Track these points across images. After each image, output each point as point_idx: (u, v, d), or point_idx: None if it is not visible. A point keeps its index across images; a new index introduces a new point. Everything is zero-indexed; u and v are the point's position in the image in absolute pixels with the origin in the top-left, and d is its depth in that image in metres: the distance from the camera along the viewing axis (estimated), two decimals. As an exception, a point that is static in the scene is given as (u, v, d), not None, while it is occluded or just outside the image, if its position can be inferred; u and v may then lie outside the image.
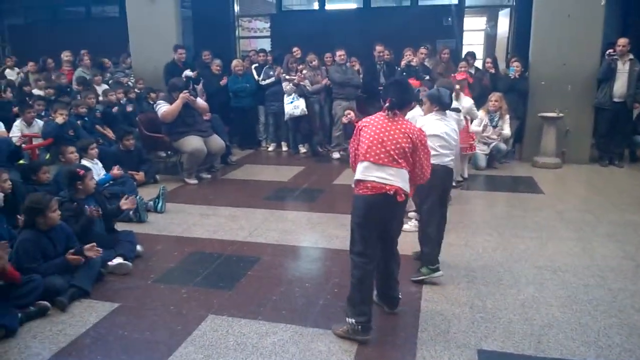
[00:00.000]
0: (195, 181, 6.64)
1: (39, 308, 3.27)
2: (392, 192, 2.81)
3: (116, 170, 5.62)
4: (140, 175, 6.32)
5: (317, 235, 4.73)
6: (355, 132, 3.06)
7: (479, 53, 12.31)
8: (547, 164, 7.31)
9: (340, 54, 7.82)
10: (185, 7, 9.43)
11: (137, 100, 7.89)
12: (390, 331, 3.06)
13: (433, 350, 2.89)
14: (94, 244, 3.64)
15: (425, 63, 8.05)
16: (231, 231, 4.85)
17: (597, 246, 4.39)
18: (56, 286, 3.39)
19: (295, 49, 8.54)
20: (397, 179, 2.84)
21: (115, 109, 7.21)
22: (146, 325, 3.19)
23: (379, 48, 7.90)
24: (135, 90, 8.11)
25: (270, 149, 8.82)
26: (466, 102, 5.96)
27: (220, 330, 3.12)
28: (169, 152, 7.29)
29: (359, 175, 2.91)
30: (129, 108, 7.43)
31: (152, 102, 8.13)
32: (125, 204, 4.24)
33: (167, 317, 3.28)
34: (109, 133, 7.01)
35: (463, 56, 8.28)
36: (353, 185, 2.99)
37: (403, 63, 7.73)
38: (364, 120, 3.04)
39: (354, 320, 2.89)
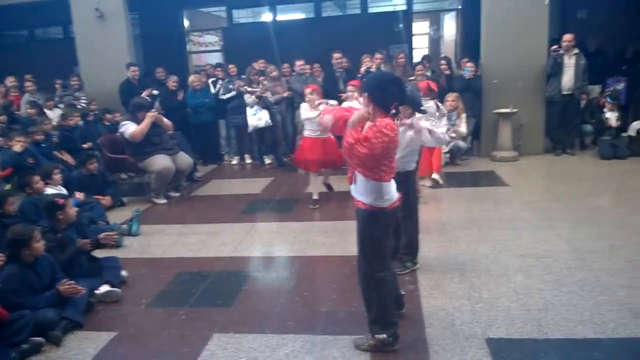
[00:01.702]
0: (164, 201, 6.49)
1: (33, 345, 3.11)
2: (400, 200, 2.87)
3: (78, 194, 5.44)
4: (106, 199, 6.11)
5: (302, 244, 4.73)
6: (392, 139, 2.65)
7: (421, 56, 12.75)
8: (505, 158, 7.64)
9: (299, 63, 7.89)
10: (133, 24, 9.20)
11: (94, 122, 7.62)
12: (399, 331, 3.10)
13: (444, 344, 2.96)
14: (72, 282, 3.46)
15: (382, 68, 8.23)
16: (214, 248, 4.77)
17: (570, 231, 4.64)
18: (48, 320, 3.24)
19: (261, 60, 8.53)
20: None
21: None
22: (150, 352, 3.09)
23: (336, 56, 8.02)
24: (91, 112, 7.83)
25: (234, 162, 8.74)
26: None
27: (229, 348, 3.07)
28: (131, 174, 7.12)
29: (394, 195, 2.82)
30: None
31: (108, 124, 7.92)
32: (105, 238, 4.06)
33: (170, 341, 3.19)
34: (68, 158, 6.74)
35: (420, 60, 8.53)
36: (385, 204, 2.80)
37: (362, 69, 7.86)
38: (396, 131, 2.70)
39: (385, 335, 2.86)
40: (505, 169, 7.16)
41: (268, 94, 7.93)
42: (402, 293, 3.28)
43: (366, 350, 2.90)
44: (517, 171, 7.12)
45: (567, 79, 7.44)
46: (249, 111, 7.96)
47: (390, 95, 2.70)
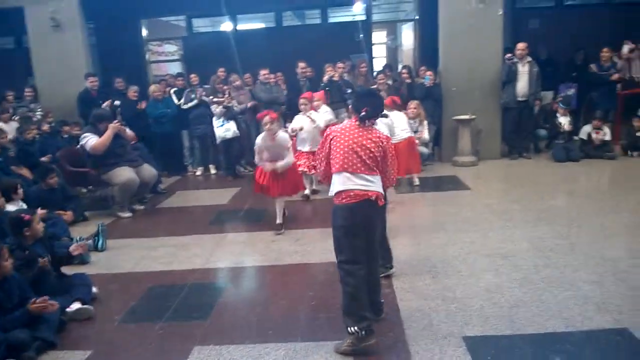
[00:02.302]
0: (129, 214, 6.35)
1: (5, 367, 2.99)
2: (373, 198, 2.94)
3: (39, 211, 5.25)
4: (68, 215, 5.91)
5: (275, 254, 4.73)
6: (324, 140, 3.13)
7: (381, 65, 13.03)
8: (466, 163, 7.90)
9: (264, 72, 7.92)
10: (89, 34, 8.98)
11: (51, 134, 7.38)
12: (379, 334, 3.14)
13: (423, 344, 3.04)
14: (44, 298, 3.35)
15: (345, 77, 8.37)
16: (186, 260, 4.71)
17: (531, 231, 4.84)
18: (20, 340, 3.10)
19: (221, 69, 8.49)
20: (375, 184, 2.98)
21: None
22: (129, 368, 3.03)
23: (301, 65, 8.10)
24: (48, 124, 7.57)
25: (198, 173, 8.64)
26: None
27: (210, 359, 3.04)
28: (90, 187, 6.94)
29: (340, 186, 2.98)
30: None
31: (66, 136, 7.69)
32: (76, 249, 3.99)
33: (149, 357, 3.14)
34: (26, 173, 6.48)
35: (381, 69, 8.71)
36: (332, 195, 3.07)
37: (325, 78, 7.98)
38: (333, 129, 3.12)
39: (356, 328, 2.92)
40: (466, 173, 7.40)
41: (234, 103, 7.90)
42: (382, 300, 3.35)
43: (346, 352, 2.95)
44: (477, 175, 7.37)
45: (522, 86, 7.77)
46: (216, 122, 7.91)
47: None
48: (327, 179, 3.17)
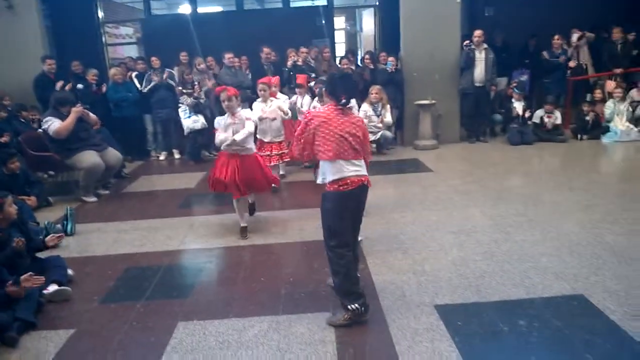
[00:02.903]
0: (94, 198, 6.27)
1: (-14, 349, 2.98)
2: (365, 182, 3.09)
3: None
4: (32, 200, 5.80)
5: (249, 234, 4.81)
6: (305, 124, 3.15)
7: (341, 50, 13.18)
8: (427, 146, 8.18)
9: (229, 56, 7.89)
10: (44, 16, 8.65)
11: (7, 119, 7.12)
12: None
13: (399, 313, 3.24)
14: (31, 273, 3.37)
15: (309, 62, 8.45)
16: (159, 242, 4.74)
17: (491, 209, 5.14)
18: (1, 322, 3.10)
19: (183, 53, 8.40)
20: (363, 168, 3.12)
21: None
22: (115, 346, 3.08)
23: (266, 50, 8.12)
24: (6, 107, 7.29)
25: (161, 158, 8.56)
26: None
27: (196, 334, 3.13)
28: (50, 172, 6.79)
29: (335, 174, 3.03)
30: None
31: (23, 120, 7.44)
32: (52, 240, 3.98)
33: (133, 334, 3.20)
34: (-16, 158, 6.26)
35: (344, 54, 8.84)
36: (323, 182, 3.13)
37: (289, 63, 8.04)
38: (314, 115, 3.17)
39: (356, 305, 3.06)
40: (428, 156, 7.68)
41: (201, 94, 7.87)
42: (358, 275, 3.51)
43: (342, 325, 3.10)
44: (438, 158, 7.66)
45: (479, 72, 8.09)
46: (182, 113, 7.85)
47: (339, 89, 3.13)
48: (306, 159, 3.27)
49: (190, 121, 7.81)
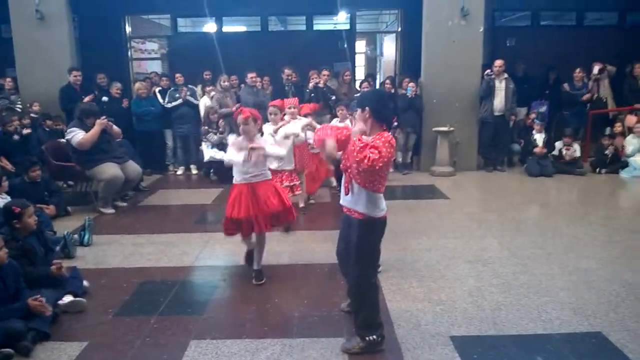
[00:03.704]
0: (112, 210, 6.34)
1: (2, 355, 3.01)
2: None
3: None
4: (50, 209, 5.88)
5: (264, 254, 4.79)
6: (390, 146, 2.81)
7: (361, 73, 13.30)
8: (443, 173, 8.16)
9: (251, 75, 8.00)
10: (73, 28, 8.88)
11: (32, 126, 7.27)
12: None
13: (414, 342, 3.20)
14: (42, 299, 3.36)
15: (329, 84, 8.52)
16: (175, 257, 4.76)
17: (510, 240, 5.08)
18: (16, 330, 3.13)
19: (206, 72, 8.56)
20: None
21: (15, 137, 6.58)
22: (128, 360, 3.08)
23: (287, 71, 8.20)
24: (31, 115, 7.46)
25: (179, 172, 8.66)
26: None
27: (209, 353, 3.12)
28: (70, 182, 6.90)
29: (383, 204, 3.01)
30: (26, 130, 6.77)
31: (47, 129, 7.60)
32: (58, 270, 3.80)
33: (146, 350, 3.19)
34: (7, 165, 6.41)
35: (364, 77, 8.92)
36: (376, 214, 3.00)
37: (310, 85, 8.11)
38: (392, 143, 2.87)
39: (374, 337, 3.04)
40: (444, 183, 7.65)
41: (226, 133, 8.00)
42: None
43: (356, 353, 3.06)
44: (455, 185, 7.62)
45: (499, 101, 8.10)
46: (204, 145, 7.95)
47: (389, 111, 2.99)
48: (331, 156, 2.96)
49: (212, 151, 7.88)
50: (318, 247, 4.91)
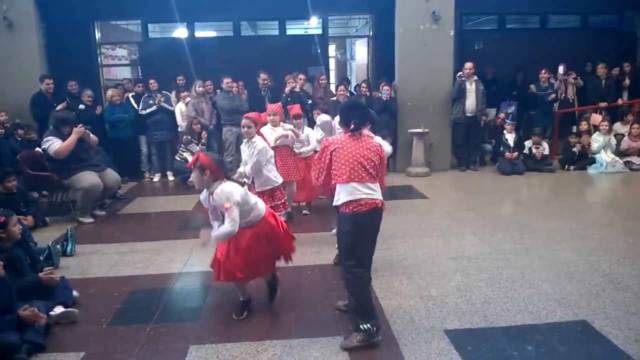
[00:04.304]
0: (91, 219, 6.24)
1: (-3, 371, 2.94)
2: (380, 205, 3.17)
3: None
4: (28, 220, 5.73)
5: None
6: (322, 151, 3.27)
7: (332, 78, 13.41)
8: (419, 173, 8.35)
9: (227, 81, 8.00)
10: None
11: (5, 136, 7.08)
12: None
13: (410, 338, 3.29)
14: (32, 308, 3.29)
15: (305, 88, 8.60)
16: (162, 265, 4.74)
17: (490, 236, 5.26)
18: (10, 343, 3.07)
19: (180, 77, 8.52)
20: (378, 192, 3.21)
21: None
22: (128, 368, 3.07)
23: (263, 76, 8.25)
24: (4, 124, 7.25)
25: (155, 179, 8.57)
26: None
27: (210, 358, 3.13)
28: (44, 192, 6.77)
29: (348, 196, 3.12)
30: None
31: (19, 139, 7.41)
32: (48, 278, 3.75)
33: (146, 357, 3.18)
34: (-21, 176, 6.20)
35: (339, 81, 9.03)
36: (338, 204, 3.21)
37: (287, 89, 8.17)
38: (330, 141, 3.28)
39: (369, 325, 3.13)
40: (421, 183, 7.83)
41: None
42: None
43: (355, 347, 3.14)
44: (431, 185, 7.81)
45: (470, 102, 8.34)
46: (184, 153, 7.97)
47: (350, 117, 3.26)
48: (327, 189, 3.35)
49: None
50: (314, 248, 4.96)
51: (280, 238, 3.62)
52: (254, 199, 3.54)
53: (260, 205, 3.56)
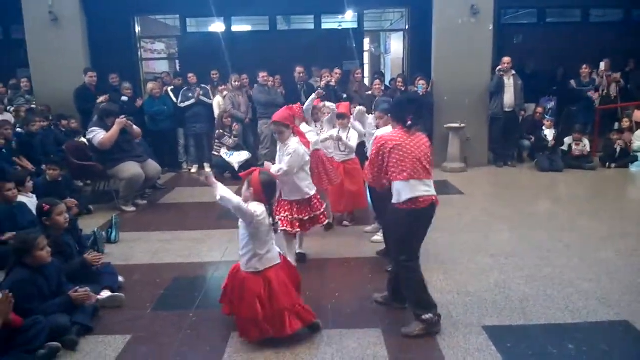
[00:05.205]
0: (133, 208, 6.44)
1: (50, 350, 3.09)
2: (435, 200, 3.21)
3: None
4: (74, 207, 5.94)
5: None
6: (378, 149, 3.21)
7: (366, 71, 13.38)
8: (455, 169, 8.27)
9: (263, 75, 8.08)
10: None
11: (50, 127, 7.35)
12: (407, 323, 3.38)
13: (448, 332, 3.30)
14: (80, 289, 3.44)
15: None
16: (203, 253, 4.86)
17: (528, 233, 5.19)
18: (60, 325, 3.22)
19: (214, 72, 8.65)
20: (432, 187, 3.25)
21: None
22: (173, 353, 3.17)
23: (299, 69, 8.30)
24: (47, 117, 7.55)
25: (193, 170, 8.74)
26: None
27: (252, 344, 3.20)
28: (88, 182, 7.00)
29: (409, 194, 3.14)
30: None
31: (63, 129, 7.69)
32: (94, 258, 3.96)
33: (189, 342, 3.29)
34: (27, 164, 6.48)
35: (374, 76, 9.02)
36: (398, 202, 3.20)
37: (323, 83, 8.19)
38: (385, 138, 3.22)
39: (430, 315, 3.20)
40: (457, 179, 7.75)
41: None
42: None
43: (417, 336, 3.21)
44: (467, 181, 7.72)
45: (508, 97, 8.20)
46: (225, 155, 8.05)
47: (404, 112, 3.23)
48: (377, 184, 3.35)
49: (237, 157, 7.96)
50: (345, 241, 5.01)
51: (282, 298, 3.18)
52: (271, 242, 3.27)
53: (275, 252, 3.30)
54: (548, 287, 3.93)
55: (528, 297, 3.77)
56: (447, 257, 4.60)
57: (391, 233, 3.32)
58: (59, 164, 6.14)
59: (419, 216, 3.20)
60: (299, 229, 4.29)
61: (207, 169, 8.61)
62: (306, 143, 4.27)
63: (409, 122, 3.18)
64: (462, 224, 5.55)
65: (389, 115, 3.34)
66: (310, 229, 4.45)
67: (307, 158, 4.30)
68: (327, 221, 4.65)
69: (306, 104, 5.34)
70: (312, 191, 4.35)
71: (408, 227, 3.21)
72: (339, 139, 5.24)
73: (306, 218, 4.29)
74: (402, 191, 3.17)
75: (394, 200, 3.25)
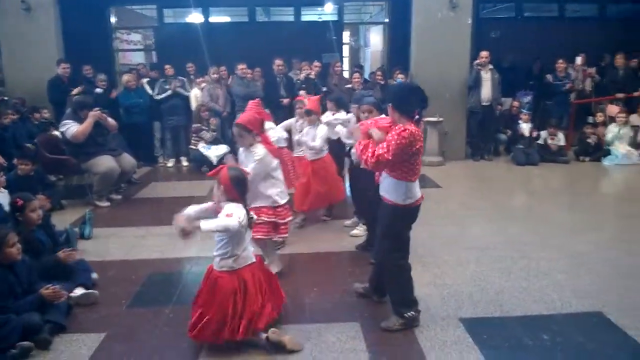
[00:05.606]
0: (107, 203, 6.31)
1: (22, 349, 3.01)
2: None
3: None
4: (46, 202, 5.80)
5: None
6: (410, 142, 2.89)
7: (346, 64, 13.35)
8: (433, 162, 8.31)
9: (241, 67, 7.99)
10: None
11: (22, 120, 7.17)
12: (385, 317, 3.39)
13: (425, 325, 3.32)
14: (52, 286, 3.35)
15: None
16: (180, 249, 4.75)
17: (505, 226, 5.25)
18: (33, 324, 3.13)
19: (189, 65, 8.52)
20: None
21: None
22: (149, 350, 3.12)
23: (278, 62, 8.23)
24: (19, 109, 7.35)
25: (169, 164, 8.62)
26: None
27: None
28: (60, 176, 6.83)
29: (417, 194, 3.15)
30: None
31: (36, 122, 7.50)
32: (68, 255, 3.84)
33: (166, 339, 3.24)
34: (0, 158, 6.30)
35: (354, 69, 9.00)
36: (409, 203, 3.15)
37: (302, 76, 8.16)
38: (418, 133, 2.94)
39: (411, 312, 3.22)
40: (434, 173, 7.79)
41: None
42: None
43: (398, 330, 3.22)
44: (445, 174, 7.77)
45: (486, 91, 8.27)
46: (202, 149, 7.94)
47: (410, 104, 3.03)
48: (378, 169, 3.09)
49: (215, 150, 7.88)
50: (323, 236, 5.00)
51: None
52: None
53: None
54: (523, 279, 3.98)
55: (504, 289, 3.82)
56: (424, 250, 4.60)
57: (386, 231, 3.21)
58: (31, 158, 5.99)
59: (413, 214, 3.23)
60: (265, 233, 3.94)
61: (185, 163, 8.55)
62: (272, 150, 3.89)
63: (417, 116, 2.98)
64: (440, 218, 5.57)
65: (395, 109, 2.97)
66: (269, 235, 4.01)
67: (274, 164, 3.93)
68: (283, 237, 4.22)
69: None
70: (283, 200, 3.99)
71: (407, 225, 3.22)
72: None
73: (270, 220, 3.93)
74: (409, 191, 3.11)
75: (394, 199, 3.13)
